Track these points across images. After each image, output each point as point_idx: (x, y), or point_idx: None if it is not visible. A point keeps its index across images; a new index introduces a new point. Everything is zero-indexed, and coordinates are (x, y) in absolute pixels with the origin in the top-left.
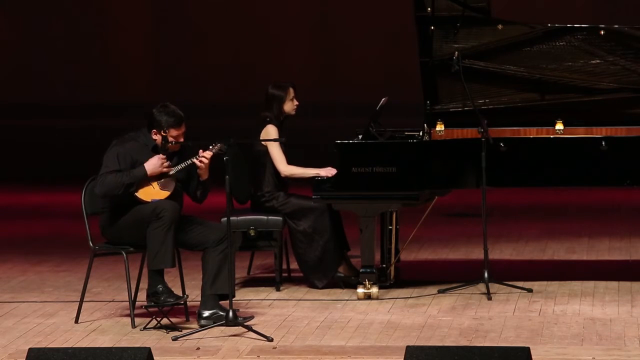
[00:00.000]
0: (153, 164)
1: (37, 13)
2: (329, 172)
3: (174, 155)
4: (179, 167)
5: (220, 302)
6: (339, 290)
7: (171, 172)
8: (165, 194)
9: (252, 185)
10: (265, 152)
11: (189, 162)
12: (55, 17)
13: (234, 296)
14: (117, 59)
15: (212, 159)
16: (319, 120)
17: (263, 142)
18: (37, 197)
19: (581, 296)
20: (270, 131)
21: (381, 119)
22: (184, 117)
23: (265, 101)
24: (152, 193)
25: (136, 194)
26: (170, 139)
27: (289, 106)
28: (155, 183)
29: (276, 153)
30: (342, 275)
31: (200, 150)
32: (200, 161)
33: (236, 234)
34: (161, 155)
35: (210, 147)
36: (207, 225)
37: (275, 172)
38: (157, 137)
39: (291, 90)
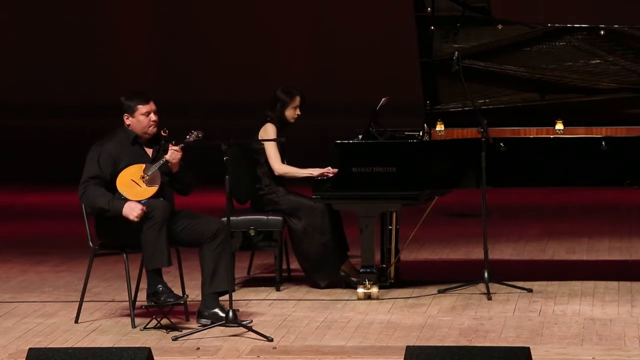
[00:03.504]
0: (131, 208)
1: (37, 13)
2: (322, 172)
3: (150, 143)
4: (154, 168)
5: (220, 298)
6: (339, 290)
7: (148, 174)
8: (153, 189)
9: (252, 182)
10: (264, 150)
11: (162, 161)
12: (56, 17)
13: (233, 291)
14: (117, 59)
15: (184, 150)
16: (319, 120)
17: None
18: (37, 197)
19: (581, 296)
20: (269, 129)
21: (381, 119)
22: (149, 95)
23: (270, 101)
24: (140, 192)
25: (127, 196)
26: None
27: (290, 113)
28: (142, 181)
29: (272, 152)
30: (345, 274)
31: (170, 145)
32: (173, 156)
33: (236, 234)
34: (142, 207)
35: (187, 136)
36: (199, 219)
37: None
38: (129, 121)
39: (297, 99)
